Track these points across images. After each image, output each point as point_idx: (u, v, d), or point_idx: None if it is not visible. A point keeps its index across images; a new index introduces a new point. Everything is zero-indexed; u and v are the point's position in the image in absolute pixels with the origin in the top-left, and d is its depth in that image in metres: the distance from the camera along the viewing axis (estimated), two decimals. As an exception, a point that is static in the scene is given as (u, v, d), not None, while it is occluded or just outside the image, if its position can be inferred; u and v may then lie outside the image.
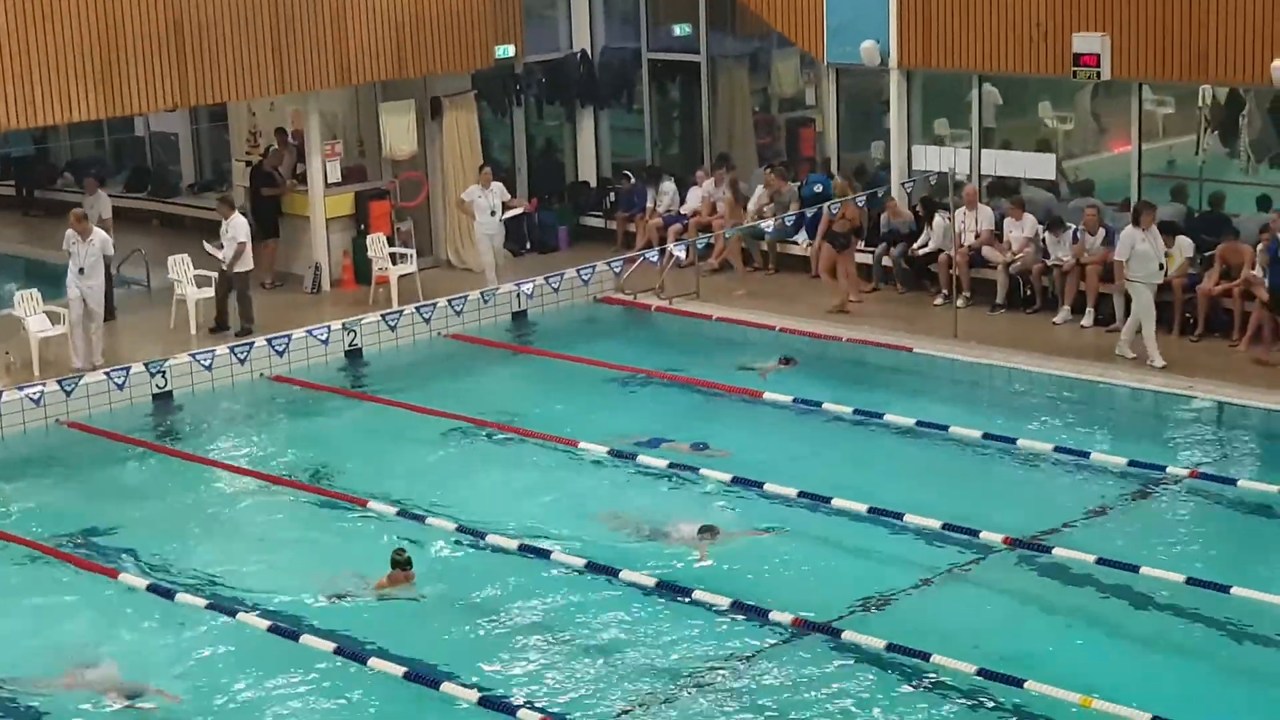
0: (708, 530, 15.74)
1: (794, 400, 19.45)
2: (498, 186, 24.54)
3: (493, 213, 24.33)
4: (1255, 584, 13.93)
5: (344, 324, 21.75)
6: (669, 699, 12.85)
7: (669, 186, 26.50)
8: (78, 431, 19.44)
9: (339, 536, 16.36)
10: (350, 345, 21.90)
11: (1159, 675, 12.98)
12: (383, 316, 21.94)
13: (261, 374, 21.01)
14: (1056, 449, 17.58)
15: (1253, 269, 20.61)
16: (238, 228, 22.34)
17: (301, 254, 25.11)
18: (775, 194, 25.32)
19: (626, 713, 12.65)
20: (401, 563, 14.90)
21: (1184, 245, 21.30)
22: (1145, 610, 14.06)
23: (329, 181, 24.83)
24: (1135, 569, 14.45)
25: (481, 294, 22.78)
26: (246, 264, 22.45)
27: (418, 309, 22.33)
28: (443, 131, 25.79)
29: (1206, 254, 21.43)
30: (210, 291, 22.71)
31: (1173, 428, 18.59)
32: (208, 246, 23.02)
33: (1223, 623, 13.68)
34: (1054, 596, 14.39)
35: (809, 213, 24.52)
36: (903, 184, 24.25)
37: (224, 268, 22.37)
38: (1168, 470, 16.85)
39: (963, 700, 12.62)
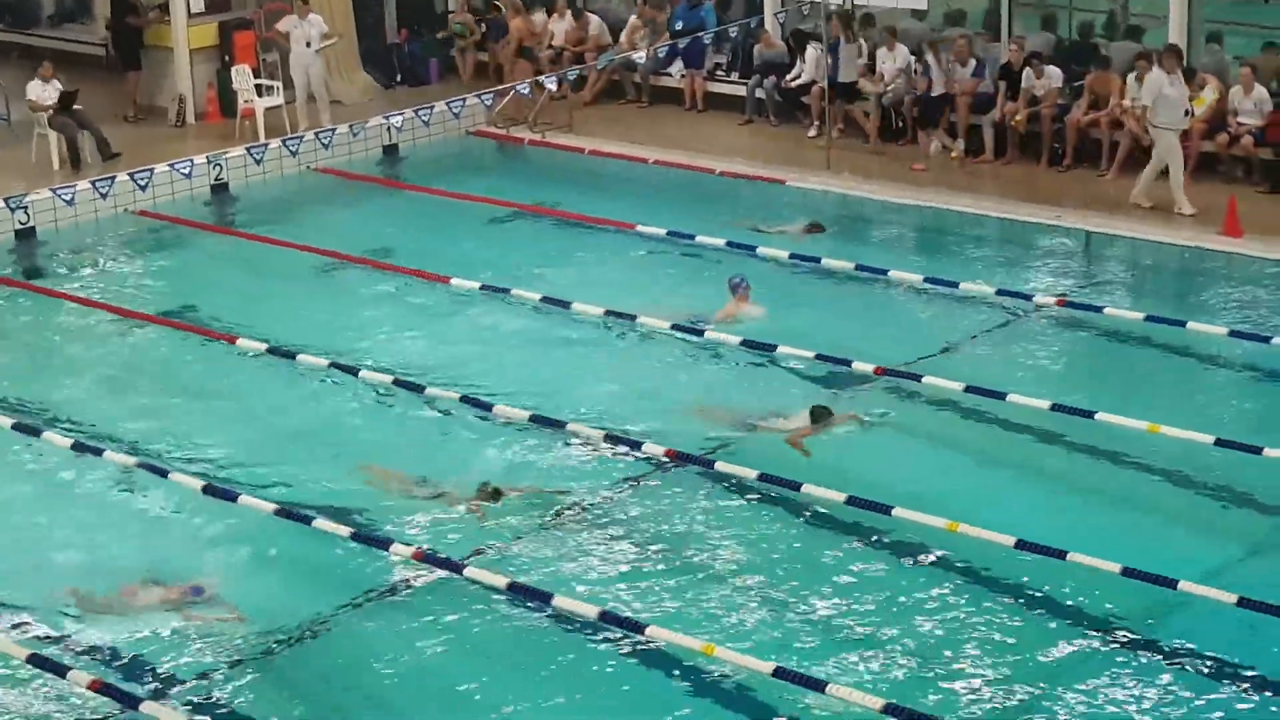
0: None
1: (668, 233, 19.40)
2: (315, 18, 23.91)
3: (308, 44, 23.77)
4: (1119, 409, 14.14)
5: (208, 157, 21.35)
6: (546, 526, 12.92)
7: (540, 18, 26.14)
8: (-64, 269, 19.12)
9: (208, 371, 16.21)
10: (216, 179, 21.54)
11: (1024, 500, 13.19)
12: (248, 150, 21.57)
13: (125, 209, 20.65)
14: (926, 279, 17.68)
15: (1121, 99, 20.71)
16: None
17: (165, 87, 24.61)
18: (649, 24, 25.07)
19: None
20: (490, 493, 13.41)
21: (1053, 75, 21.36)
22: (1012, 436, 14.25)
23: (192, 11, 24.27)
24: (1002, 396, 14.62)
25: (350, 127, 22.42)
26: None
27: (284, 142, 21.97)
28: (307, -40, 25.23)
29: (1075, 84, 21.51)
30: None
31: (1041, 257, 18.75)
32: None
33: (1087, 448, 13.91)
34: (923, 424, 14.55)
35: (681, 44, 24.31)
36: (775, 14, 24.07)
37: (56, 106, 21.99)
38: (1035, 299, 17.03)
39: (833, 529, 12.76)
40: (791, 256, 18.48)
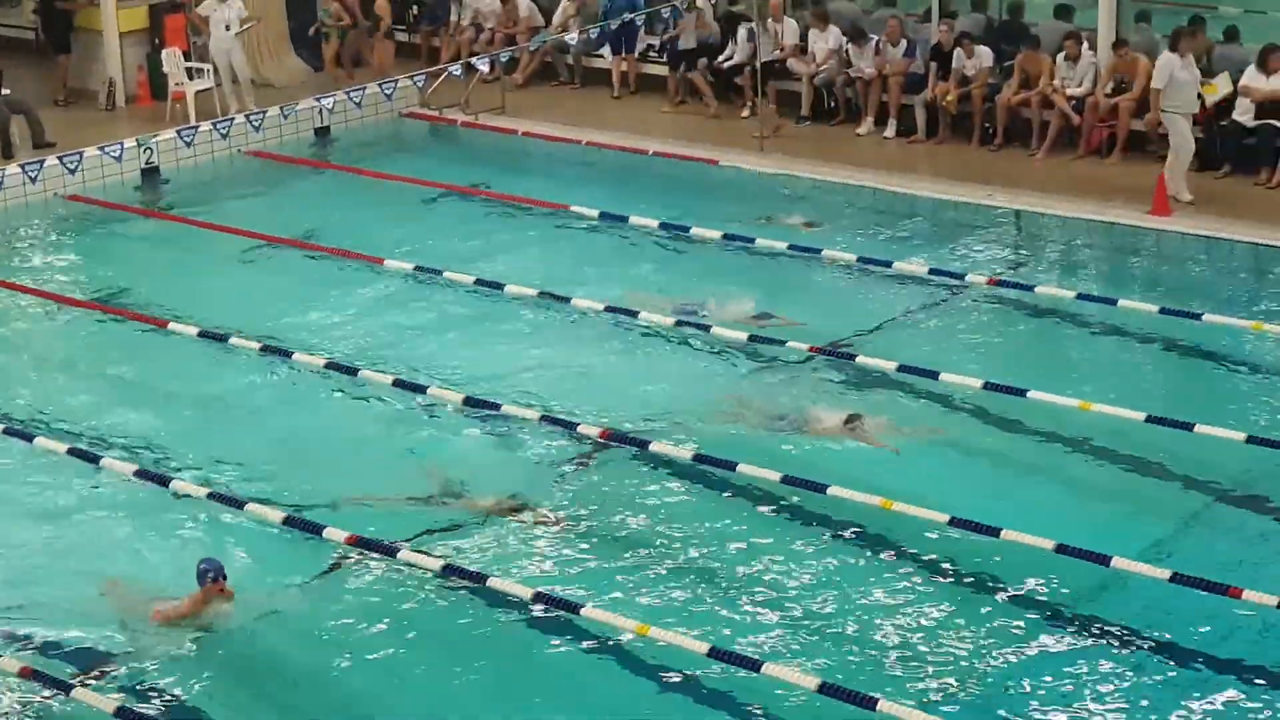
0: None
1: (600, 215, 19.39)
2: (235, 3, 23.87)
3: (227, 28, 23.62)
4: (1051, 388, 14.23)
5: (138, 140, 21.17)
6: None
7: (472, 1, 26.07)
8: None
9: (141, 359, 16.12)
10: (147, 163, 21.37)
11: (958, 478, 13.26)
12: (178, 133, 21.39)
13: (55, 193, 20.47)
14: (860, 259, 17.74)
15: (1051, 79, 20.83)
16: None
17: (95, 70, 24.41)
18: (581, 6, 25.05)
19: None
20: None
21: (983, 55, 21.45)
22: (945, 414, 14.33)
23: (121, -7, 24.16)
24: (935, 375, 14.69)
25: (281, 109, 22.29)
26: None
27: (215, 125, 21.81)
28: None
29: (1006, 64, 21.62)
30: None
31: (973, 236, 18.82)
32: None
33: (1020, 425, 14.00)
34: (855, 403, 14.59)
35: (613, 25, 24.28)
36: (707, -6, 24.10)
37: None
38: (967, 278, 17.12)
39: (767, 508, 12.80)
40: (725, 237, 18.50)
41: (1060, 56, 20.81)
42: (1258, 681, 10.52)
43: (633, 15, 23.94)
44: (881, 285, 17.26)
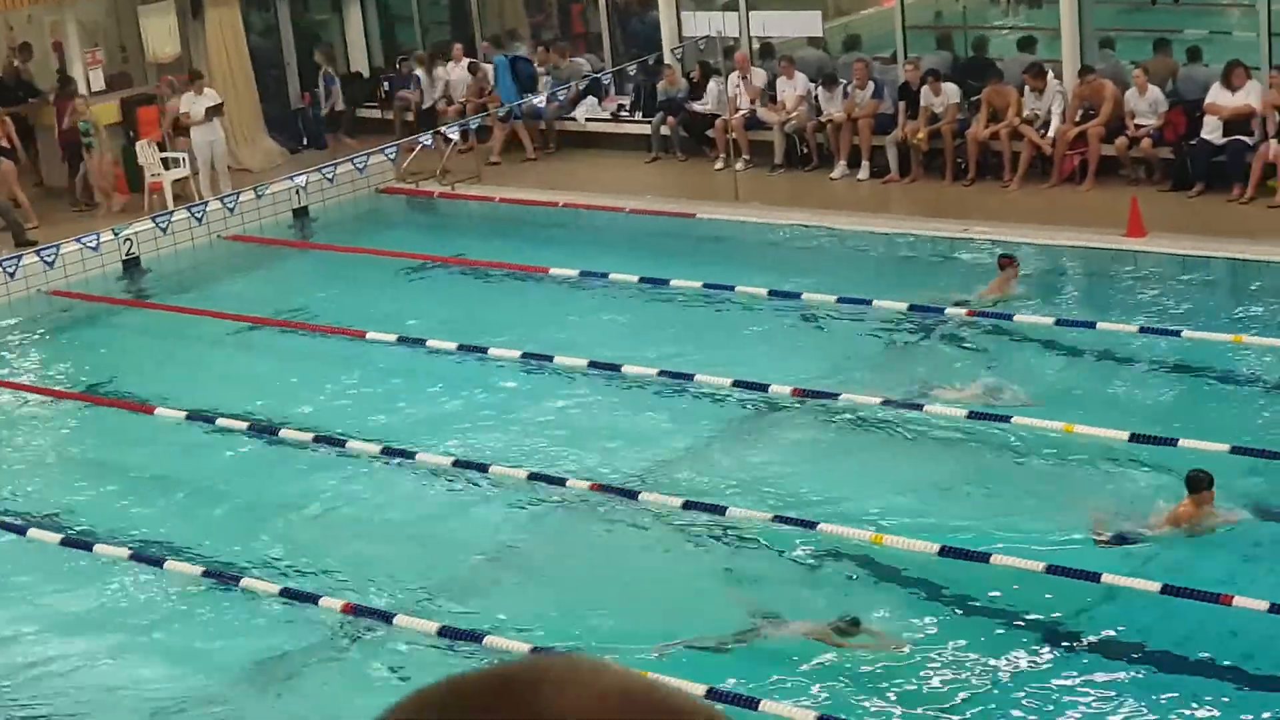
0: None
1: (580, 274, 19.49)
2: (210, 92, 23.96)
3: (207, 117, 23.68)
4: (1033, 413, 14.29)
5: (114, 230, 21.23)
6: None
7: (442, 72, 26.25)
8: None
9: (131, 447, 16.17)
10: (128, 254, 21.44)
11: (945, 507, 13.29)
12: (154, 220, 21.44)
13: (38, 289, 20.55)
14: (839, 300, 17.82)
15: (1019, 112, 20.97)
16: None
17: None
18: (551, 70, 25.24)
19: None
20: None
21: (950, 91, 21.61)
22: (928, 445, 14.38)
23: (93, 89, 24.25)
24: (919, 408, 14.75)
25: (255, 190, 22.37)
26: None
27: (190, 209, 21.84)
28: (205, 31, 25.27)
29: (973, 99, 21.76)
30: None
31: (950, 270, 18.90)
32: None
33: (1006, 451, 14.05)
34: (843, 440, 14.66)
35: (577, 84, 24.38)
36: (673, 50, 24.27)
37: None
38: (946, 311, 17.18)
39: (758, 547, 12.83)
40: (705, 286, 18.58)
41: (1027, 89, 20.97)
42: (1249, 688, 10.55)
43: (533, 96, 24.13)
44: (863, 324, 17.29)
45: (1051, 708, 10.54)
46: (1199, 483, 12.26)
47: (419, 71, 26.18)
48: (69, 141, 23.70)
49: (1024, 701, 10.61)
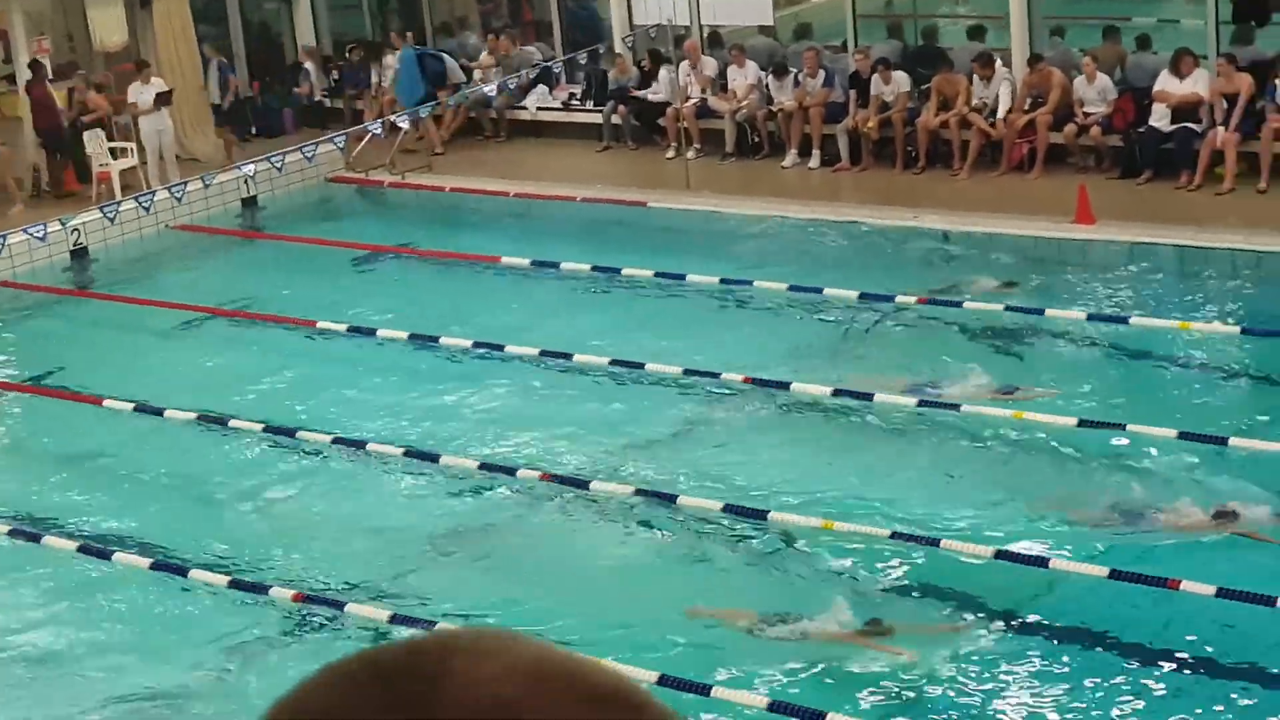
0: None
1: (532, 263, 19.45)
2: (157, 81, 23.84)
3: (155, 106, 23.58)
4: (982, 400, 14.34)
5: (60, 220, 21.09)
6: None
7: (392, 60, 26.15)
8: None
9: (79, 438, 16.08)
10: (75, 244, 21.31)
11: (896, 492, 13.31)
12: (101, 210, 21.31)
13: (-15, 280, 20.45)
14: (791, 288, 17.84)
15: (968, 100, 21.02)
16: None
17: (17, 158, 24.34)
18: (502, 59, 25.18)
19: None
20: None
21: (900, 80, 21.64)
22: (879, 434, 14.41)
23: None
24: (870, 397, 14.78)
25: (203, 179, 22.24)
26: None
27: (137, 199, 21.72)
28: (154, 20, 25.10)
29: (924, 87, 21.81)
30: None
31: (900, 258, 18.94)
32: None
33: (953, 438, 14.09)
34: (793, 430, 14.67)
35: (528, 73, 24.34)
36: (624, 38, 24.24)
37: None
38: (897, 299, 17.21)
39: (710, 534, 12.85)
40: (656, 275, 18.57)
41: (976, 77, 21.01)
42: (1201, 671, 10.61)
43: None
44: (814, 313, 17.31)
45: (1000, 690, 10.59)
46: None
47: (373, 64, 26.08)
48: (48, 126, 23.40)
49: (968, 687, 10.65)
